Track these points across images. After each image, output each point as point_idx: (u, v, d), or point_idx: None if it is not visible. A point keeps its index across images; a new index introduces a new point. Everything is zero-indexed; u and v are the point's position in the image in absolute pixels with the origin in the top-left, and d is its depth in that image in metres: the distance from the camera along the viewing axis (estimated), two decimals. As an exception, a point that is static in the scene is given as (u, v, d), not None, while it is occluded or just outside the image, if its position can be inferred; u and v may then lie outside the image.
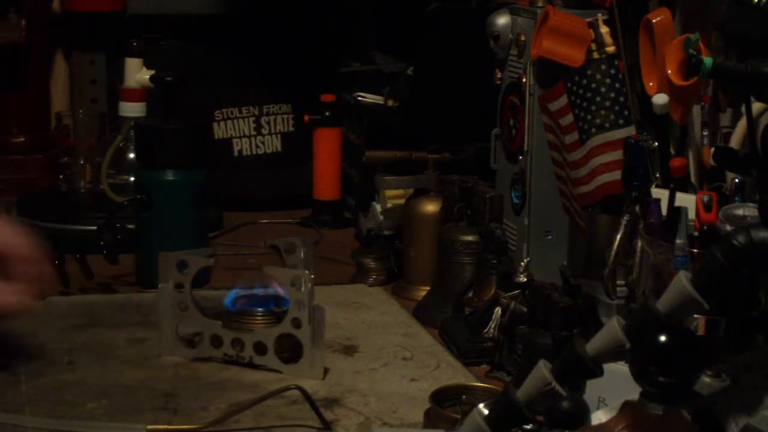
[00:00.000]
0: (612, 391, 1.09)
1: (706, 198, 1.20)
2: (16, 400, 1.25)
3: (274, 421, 1.22)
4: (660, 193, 1.31)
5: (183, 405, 1.26)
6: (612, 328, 0.91)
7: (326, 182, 2.10)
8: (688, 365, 0.90)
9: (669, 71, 1.35)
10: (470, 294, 1.52)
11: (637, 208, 1.31)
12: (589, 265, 1.42)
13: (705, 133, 1.53)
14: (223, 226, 2.06)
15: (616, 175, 1.42)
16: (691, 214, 1.22)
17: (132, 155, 1.97)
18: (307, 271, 1.35)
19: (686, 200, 1.27)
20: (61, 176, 2.09)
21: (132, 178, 1.84)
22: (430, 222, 1.69)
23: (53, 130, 2.30)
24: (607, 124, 1.50)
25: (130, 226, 1.71)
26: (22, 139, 2.29)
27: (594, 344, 0.92)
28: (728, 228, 1.16)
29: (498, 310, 1.41)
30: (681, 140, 1.51)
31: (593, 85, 1.51)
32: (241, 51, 2.25)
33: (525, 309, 1.39)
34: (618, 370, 0.99)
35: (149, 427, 1.18)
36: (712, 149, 1.48)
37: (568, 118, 1.53)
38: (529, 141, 1.60)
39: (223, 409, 1.24)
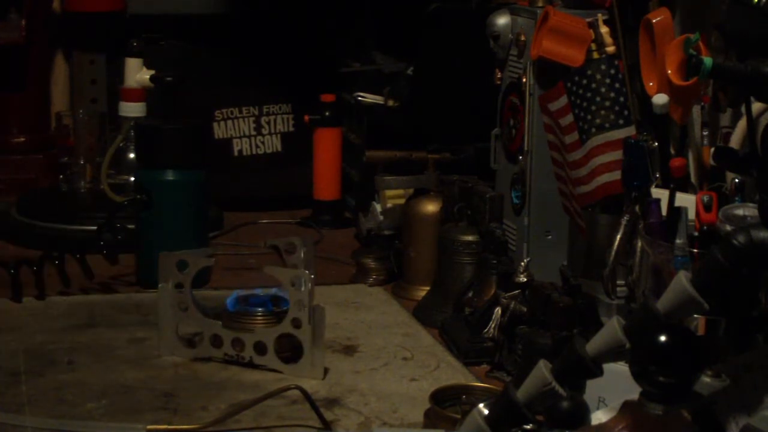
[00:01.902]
0: (612, 391, 1.09)
1: (706, 198, 1.20)
2: (16, 400, 1.25)
3: (274, 421, 1.22)
4: (660, 193, 1.31)
5: (183, 405, 1.26)
6: (612, 328, 0.91)
7: (326, 182, 2.10)
8: (688, 365, 0.90)
9: (669, 71, 1.35)
10: (470, 294, 1.52)
11: (637, 208, 1.31)
12: (589, 265, 1.42)
13: (705, 133, 1.53)
14: (223, 226, 2.06)
15: (616, 175, 1.42)
16: (691, 214, 1.22)
17: (132, 155, 1.97)
18: (307, 271, 1.35)
19: (686, 200, 1.27)
20: (61, 176, 2.09)
21: (132, 178, 1.84)
22: (430, 222, 1.69)
23: (53, 130, 2.30)
24: (607, 124, 1.50)
25: (130, 226, 1.71)
26: (22, 139, 2.29)
27: (594, 344, 0.92)
28: (728, 228, 1.16)
29: (498, 310, 1.41)
30: (681, 140, 1.51)
31: (593, 85, 1.51)
32: (241, 51, 2.25)
33: (525, 309, 1.38)
34: (618, 370, 0.99)
35: (149, 427, 1.18)
36: (712, 149, 1.48)
37: (568, 118, 1.53)
38: (529, 141, 1.60)
39: (223, 409, 1.24)
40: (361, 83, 2.07)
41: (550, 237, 1.61)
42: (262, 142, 2.26)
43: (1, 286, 1.62)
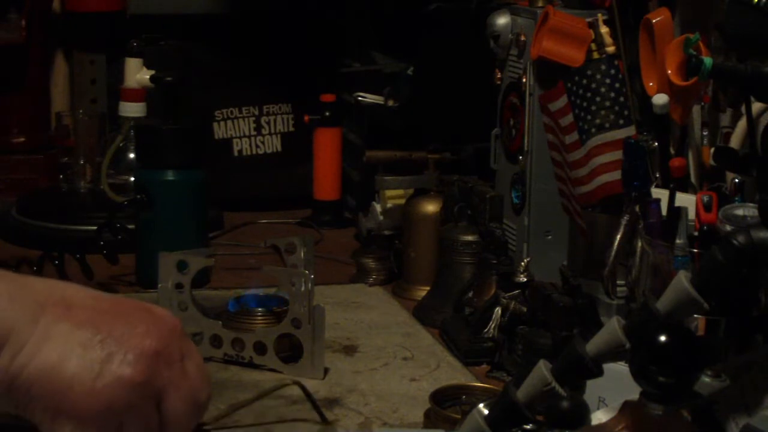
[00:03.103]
0: (612, 391, 1.08)
1: (706, 198, 1.20)
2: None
3: (275, 419, 1.22)
4: (660, 193, 1.31)
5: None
6: (612, 328, 0.91)
7: (326, 182, 2.10)
8: (688, 365, 0.90)
9: (669, 71, 1.35)
10: (470, 294, 1.52)
11: (637, 208, 1.31)
12: (589, 265, 1.42)
13: (705, 133, 1.53)
14: (223, 226, 2.06)
15: (616, 175, 1.42)
16: (691, 214, 1.22)
17: (132, 155, 1.97)
18: (307, 271, 1.35)
19: (686, 200, 1.27)
20: (61, 176, 2.09)
21: (132, 178, 1.84)
22: (430, 222, 1.69)
23: (53, 130, 2.30)
24: (607, 124, 1.50)
25: (130, 226, 1.71)
26: (22, 139, 2.29)
27: (594, 344, 0.92)
28: (728, 228, 1.16)
29: (498, 310, 1.41)
30: (681, 140, 1.51)
31: (593, 85, 1.51)
32: (241, 51, 2.25)
33: (525, 309, 1.39)
34: (618, 370, 0.99)
35: None
36: (712, 149, 1.48)
37: (568, 118, 1.53)
38: (529, 141, 1.60)
39: (223, 409, 1.24)
40: (361, 83, 2.07)
41: (550, 237, 1.61)
42: (262, 142, 2.26)
43: (1, 286, 1.62)
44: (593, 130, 1.50)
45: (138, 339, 0.88)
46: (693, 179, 1.51)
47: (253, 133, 2.25)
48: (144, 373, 0.88)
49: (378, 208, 1.83)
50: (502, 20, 1.65)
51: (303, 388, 1.22)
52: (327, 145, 2.09)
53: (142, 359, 0.87)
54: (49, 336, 0.85)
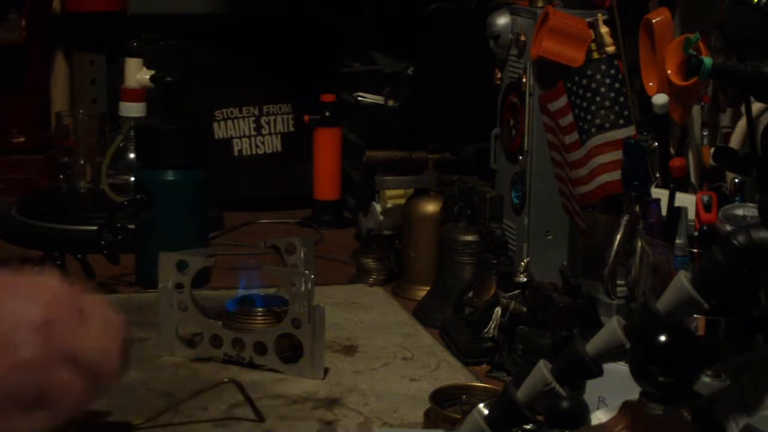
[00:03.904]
0: (612, 391, 1.09)
1: (706, 198, 1.20)
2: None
3: (275, 420, 1.22)
4: (660, 193, 1.31)
5: (183, 405, 1.25)
6: (612, 328, 0.91)
7: (326, 182, 2.10)
8: (688, 365, 0.90)
9: (669, 71, 1.35)
10: (470, 294, 1.52)
11: (637, 208, 1.31)
12: (589, 265, 1.42)
13: (705, 133, 1.53)
14: (223, 226, 2.06)
15: (616, 175, 1.42)
16: (691, 214, 1.22)
17: (132, 155, 1.97)
18: (307, 271, 1.35)
19: (686, 200, 1.27)
20: (61, 176, 2.09)
21: (132, 178, 1.84)
22: (430, 222, 1.69)
23: (53, 130, 2.30)
24: (607, 124, 1.50)
25: (130, 226, 1.71)
26: (22, 139, 2.29)
27: (594, 344, 0.92)
28: (728, 228, 1.16)
29: (498, 310, 1.41)
30: (681, 140, 1.51)
31: (593, 85, 1.51)
32: (241, 51, 2.25)
33: (525, 309, 1.39)
34: (618, 370, 0.99)
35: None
36: (712, 149, 1.48)
37: (568, 118, 1.53)
38: (529, 141, 1.60)
39: (224, 409, 1.24)
40: (361, 83, 2.07)
41: (550, 237, 1.61)
42: (262, 142, 2.26)
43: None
44: (593, 130, 1.50)
45: (25, 316, 0.88)
46: (693, 179, 1.51)
47: (253, 133, 2.25)
48: (40, 347, 0.88)
49: (378, 208, 1.83)
50: (502, 20, 1.65)
51: (239, 385, 1.21)
52: (327, 145, 2.09)
53: (34, 334, 0.88)
54: None
